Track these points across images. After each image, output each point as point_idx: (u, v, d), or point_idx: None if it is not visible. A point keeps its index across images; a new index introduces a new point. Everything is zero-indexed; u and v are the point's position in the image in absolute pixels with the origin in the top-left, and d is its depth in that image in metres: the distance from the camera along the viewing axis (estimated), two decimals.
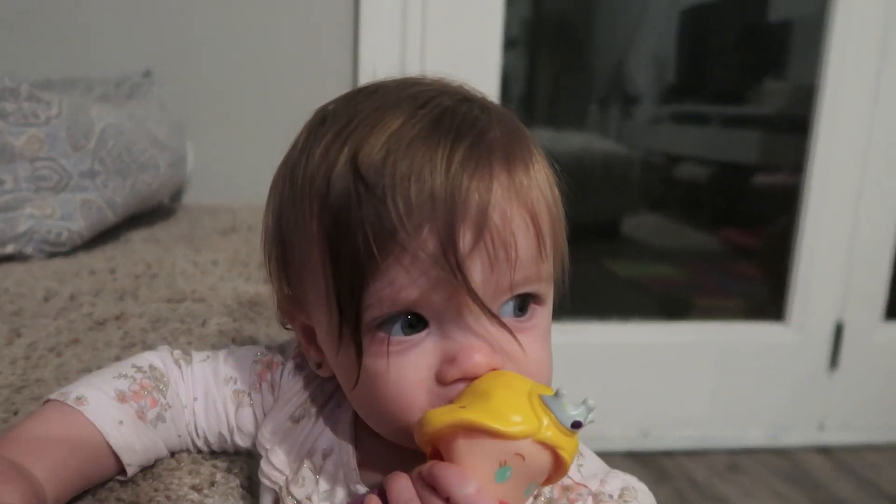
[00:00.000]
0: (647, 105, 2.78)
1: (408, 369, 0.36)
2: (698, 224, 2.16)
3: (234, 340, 0.61)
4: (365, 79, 1.25)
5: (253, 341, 0.63)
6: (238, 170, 1.30)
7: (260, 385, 0.45)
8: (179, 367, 0.45)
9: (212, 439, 0.45)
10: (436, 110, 0.36)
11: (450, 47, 1.30)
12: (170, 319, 0.65)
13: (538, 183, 0.37)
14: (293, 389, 0.45)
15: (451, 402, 0.35)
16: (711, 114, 2.65)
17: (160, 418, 0.43)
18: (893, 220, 1.48)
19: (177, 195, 1.28)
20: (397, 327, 0.36)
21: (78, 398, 0.40)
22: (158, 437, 0.43)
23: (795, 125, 2.45)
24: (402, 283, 0.34)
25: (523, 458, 0.33)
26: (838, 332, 1.51)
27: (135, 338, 0.60)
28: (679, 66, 2.78)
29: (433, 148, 0.35)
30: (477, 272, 0.34)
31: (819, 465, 1.49)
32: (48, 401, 0.41)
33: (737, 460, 1.49)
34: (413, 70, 1.26)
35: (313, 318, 0.40)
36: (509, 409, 0.33)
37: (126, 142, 0.92)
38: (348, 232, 0.34)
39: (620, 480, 0.40)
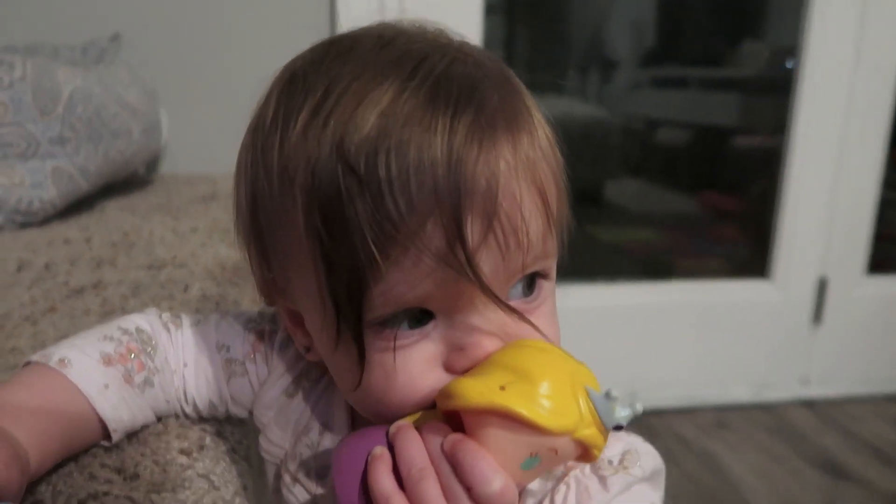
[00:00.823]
0: (627, 69, 2.76)
1: (414, 362, 0.34)
2: (679, 188, 2.16)
3: (218, 305, 0.59)
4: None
5: (238, 306, 0.61)
6: (215, 137, 1.26)
7: (254, 355, 0.43)
8: (168, 330, 0.43)
9: (202, 406, 0.43)
10: (429, 80, 0.32)
11: (430, 14, 1.27)
12: (150, 286, 0.62)
13: (543, 152, 0.35)
14: (286, 362, 0.42)
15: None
16: (690, 77, 2.64)
17: (148, 383, 0.41)
18: (874, 175, 1.48)
19: (152, 165, 1.25)
20: (404, 323, 0.33)
21: (61, 360, 0.38)
22: (146, 403, 0.41)
23: (774, 86, 2.44)
24: (407, 284, 0.32)
25: (556, 452, 0.31)
26: (822, 287, 1.52)
27: (114, 304, 0.58)
28: (657, 30, 2.76)
29: (432, 130, 0.31)
30: (488, 264, 0.32)
31: (804, 419, 1.51)
32: (28, 363, 0.38)
33: (723, 417, 1.50)
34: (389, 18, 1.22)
35: (301, 306, 0.37)
36: (555, 401, 0.30)
37: (96, 106, 0.88)
38: (344, 234, 0.31)
39: (623, 443, 0.37)
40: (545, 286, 0.36)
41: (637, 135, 2.68)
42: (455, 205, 0.30)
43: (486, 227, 0.31)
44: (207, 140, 1.25)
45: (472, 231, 0.31)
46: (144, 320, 0.43)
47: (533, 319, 0.34)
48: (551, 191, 0.34)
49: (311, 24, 1.24)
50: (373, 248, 0.30)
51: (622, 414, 0.31)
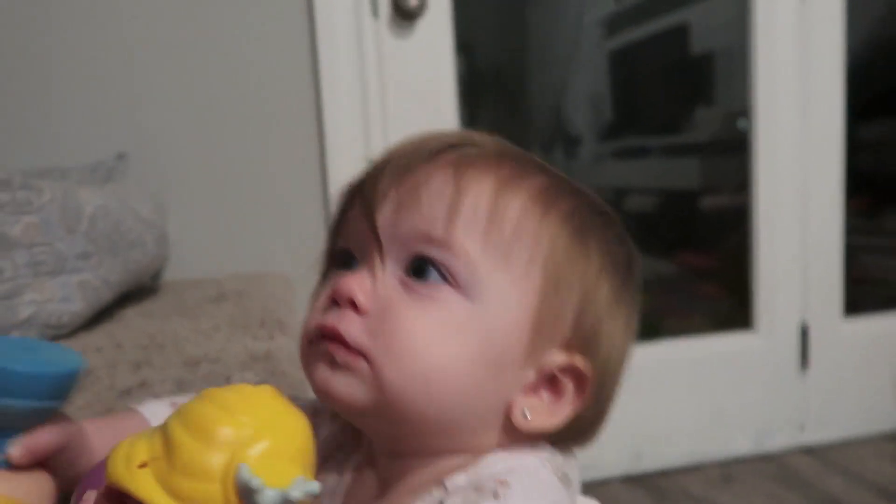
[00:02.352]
0: (589, 143, 2.92)
1: (322, 291, 0.41)
2: (654, 251, 2.25)
3: None
4: (331, 150, 1.30)
5: None
6: (213, 242, 1.33)
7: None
8: None
9: None
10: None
11: (411, 97, 1.36)
12: (193, 381, 0.67)
13: (516, 210, 0.38)
14: (330, 432, 0.47)
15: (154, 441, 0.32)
16: (651, 145, 2.79)
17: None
18: (838, 221, 1.58)
19: (156, 274, 1.30)
20: (340, 262, 0.41)
21: (140, 403, 0.47)
22: None
23: (730, 148, 2.60)
24: (349, 222, 0.41)
25: None
26: (804, 332, 1.59)
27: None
28: (614, 103, 2.93)
29: (428, 138, 0.42)
30: (386, 212, 0.38)
31: (806, 465, 1.54)
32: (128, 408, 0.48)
33: (729, 470, 1.53)
34: (374, 124, 1.29)
35: None
36: (192, 482, 0.29)
37: (114, 221, 0.94)
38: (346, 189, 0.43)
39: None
40: (446, 292, 0.37)
41: (608, 205, 2.78)
42: (386, 169, 0.39)
43: (395, 180, 0.38)
44: (206, 246, 1.32)
45: (383, 184, 0.39)
46: None
47: (410, 310, 0.36)
48: (480, 210, 0.37)
49: (301, 133, 1.33)
50: (347, 195, 0.42)
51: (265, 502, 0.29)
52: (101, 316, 0.97)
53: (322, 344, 0.38)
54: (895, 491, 1.41)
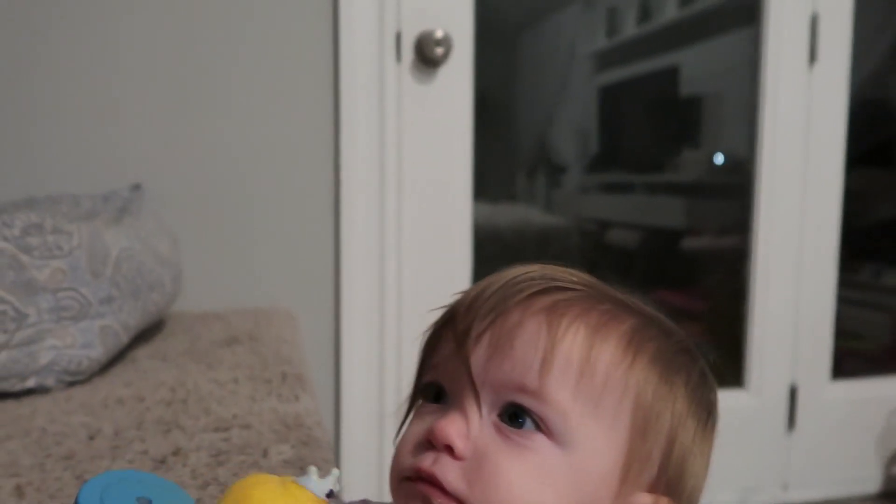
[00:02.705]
0: (574, 174, 2.96)
1: (412, 427, 0.41)
2: (633, 286, 2.28)
3: (301, 469, 0.63)
4: (346, 188, 1.31)
5: (320, 467, 0.65)
6: (218, 275, 1.32)
7: None
8: None
9: None
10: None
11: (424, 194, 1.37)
12: (230, 452, 0.66)
13: (615, 361, 0.38)
14: None
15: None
16: (636, 182, 2.84)
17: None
18: (831, 286, 1.62)
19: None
20: (431, 395, 0.42)
21: None
22: None
23: (714, 192, 2.65)
24: (440, 356, 0.41)
25: None
26: (792, 394, 1.62)
27: (205, 476, 0.61)
28: (601, 137, 2.98)
29: (514, 275, 0.42)
30: (479, 354, 0.39)
31: None
32: None
33: None
34: (390, 165, 1.31)
35: None
36: (269, 499, 0.35)
37: (137, 264, 0.93)
38: (441, 315, 0.43)
39: None
40: (542, 442, 0.37)
41: (591, 236, 2.83)
42: (478, 309, 0.40)
43: (487, 326, 0.39)
44: (212, 278, 1.31)
45: (478, 324, 0.39)
46: None
47: (507, 458, 0.37)
48: (572, 362, 0.38)
49: (316, 169, 1.33)
50: (437, 326, 0.43)
51: (325, 482, 0.36)
52: (114, 357, 0.95)
53: (418, 485, 0.38)
54: None
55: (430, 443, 0.38)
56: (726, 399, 1.53)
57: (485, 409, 0.39)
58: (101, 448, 0.67)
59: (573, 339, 0.38)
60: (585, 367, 0.38)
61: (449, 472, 0.37)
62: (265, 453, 0.66)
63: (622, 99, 2.96)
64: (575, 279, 0.42)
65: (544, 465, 0.37)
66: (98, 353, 0.85)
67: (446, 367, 0.41)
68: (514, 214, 2.68)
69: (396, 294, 1.38)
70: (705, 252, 2.53)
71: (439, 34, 1.30)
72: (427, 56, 1.31)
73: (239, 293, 1.32)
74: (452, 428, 0.38)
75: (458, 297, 0.43)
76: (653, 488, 0.39)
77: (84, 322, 0.84)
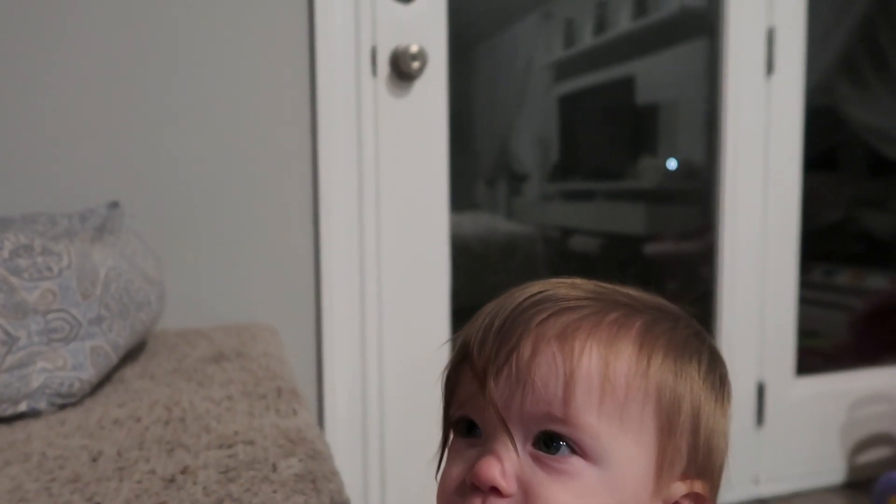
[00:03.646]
0: (535, 183, 3.01)
1: (453, 466, 0.42)
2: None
3: (314, 483, 0.64)
4: (324, 196, 1.31)
5: (326, 480, 0.66)
6: (197, 291, 1.31)
7: None
8: None
9: None
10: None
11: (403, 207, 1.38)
12: (238, 468, 0.66)
13: (628, 364, 0.40)
14: None
15: None
16: (596, 189, 2.90)
17: None
18: (793, 283, 1.69)
19: None
20: (463, 430, 0.43)
21: None
22: None
23: (672, 197, 2.72)
24: (465, 391, 0.43)
25: None
26: (760, 391, 1.68)
27: (219, 492, 0.61)
28: (561, 146, 3.04)
29: (518, 299, 0.43)
30: (501, 391, 0.40)
31: None
32: None
33: None
34: (368, 179, 1.31)
35: None
36: None
37: (125, 283, 0.92)
38: (455, 345, 0.45)
39: None
40: (579, 465, 0.39)
41: (554, 244, 2.89)
42: (491, 344, 0.41)
43: (505, 360, 0.40)
44: (192, 295, 1.29)
45: (496, 360, 0.41)
46: None
47: (546, 480, 0.39)
48: (593, 383, 0.40)
49: (294, 184, 1.33)
50: (455, 362, 0.44)
51: None
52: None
53: None
54: None
55: (475, 485, 0.40)
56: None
57: (519, 443, 0.40)
58: (106, 469, 0.67)
59: (589, 361, 0.40)
60: (606, 385, 0.39)
61: None
62: (274, 468, 0.66)
63: (580, 108, 3.03)
64: (578, 293, 0.43)
65: (585, 486, 0.39)
66: (89, 374, 0.84)
67: (474, 403, 0.42)
68: (478, 223, 2.71)
69: (377, 307, 1.39)
70: (667, 256, 2.60)
71: (414, 49, 1.32)
72: (403, 70, 1.33)
73: (218, 310, 1.31)
74: (494, 470, 0.39)
75: (469, 326, 0.44)
76: (685, 475, 0.42)
77: (74, 343, 0.83)
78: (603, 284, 0.46)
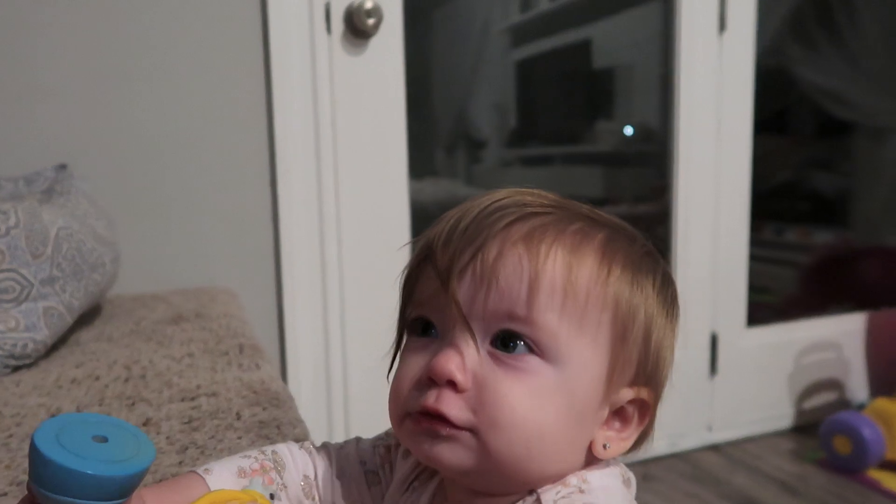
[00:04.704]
0: (494, 149, 3.01)
1: (408, 365, 0.43)
2: None
3: (279, 428, 0.64)
4: (281, 157, 1.30)
5: (292, 426, 0.66)
6: (154, 256, 1.29)
7: (385, 466, 0.51)
8: (311, 453, 0.50)
9: None
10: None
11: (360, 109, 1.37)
12: (203, 417, 0.66)
13: (593, 276, 0.41)
14: (405, 470, 0.50)
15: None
16: (554, 154, 2.92)
17: (276, 497, 0.47)
18: (744, 237, 1.74)
19: None
20: (418, 330, 0.43)
21: (206, 469, 0.45)
22: None
23: (628, 160, 2.76)
24: (424, 291, 0.43)
25: None
26: (713, 342, 1.74)
27: (183, 440, 0.61)
28: (519, 112, 3.04)
29: (485, 201, 0.43)
30: (465, 290, 0.40)
31: (714, 462, 1.69)
32: (190, 471, 0.46)
33: (647, 470, 1.65)
34: (325, 139, 1.31)
35: None
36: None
37: (77, 243, 0.90)
38: (417, 246, 0.45)
39: (583, 483, 0.41)
40: (536, 364, 0.40)
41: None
42: (456, 243, 0.41)
43: (470, 259, 0.40)
44: (147, 259, 1.27)
45: (459, 259, 0.41)
46: (284, 446, 0.50)
47: (503, 377, 0.40)
48: (556, 286, 0.40)
49: (250, 145, 1.31)
50: (415, 262, 0.44)
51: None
52: (56, 341, 0.92)
53: (425, 422, 0.41)
54: (793, 483, 1.58)
55: (431, 380, 0.40)
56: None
57: (478, 341, 0.41)
58: None
59: (553, 265, 0.40)
60: (568, 289, 0.40)
61: (454, 405, 0.40)
62: (238, 416, 0.66)
63: (538, 73, 3.03)
64: (544, 201, 0.44)
65: (541, 384, 0.40)
66: (43, 335, 0.83)
67: (432, 303, 0.42)
68: (438, 188, 2.71)
69: (338, 267, 1.39)
70: (624, 218, 2.64)
71: (369, 4, 1.30)
72: (358, 27, 1.31)
73: (174, 274, 1.29)
74: (451, 363, 0.40)
75: (431, 229, 0.44)
76: (633, 383, 0.43)
77: (26, 304, 0.82)
78: (564, 198, 0.46)
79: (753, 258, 1.77)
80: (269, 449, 0.49)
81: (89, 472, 0.35)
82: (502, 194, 0.44)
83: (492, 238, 0.41)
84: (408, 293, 0.44)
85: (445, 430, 0.40)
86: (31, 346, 0.82)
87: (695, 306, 1.70)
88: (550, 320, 0.40)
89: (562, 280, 0.40)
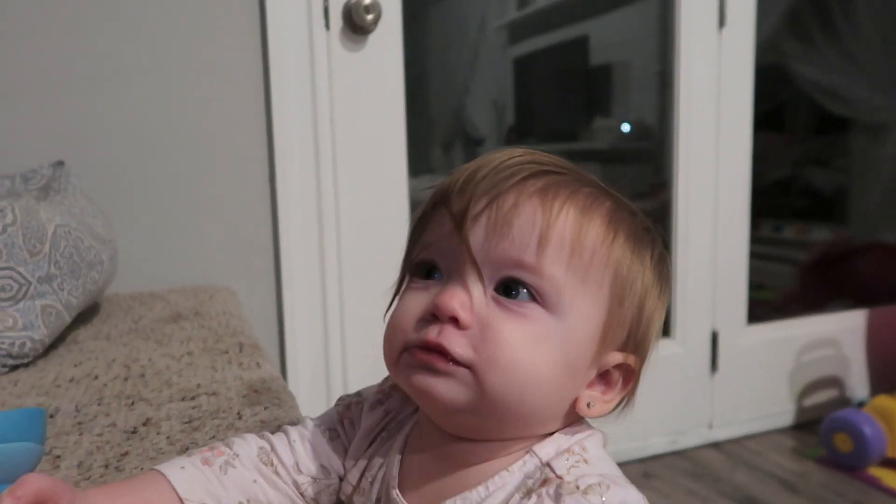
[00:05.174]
0: (491, 146, 3.00)
1: (408, 302, 0.44)
2: None
3: (280, 428, 0.63)
4: (280, 153, 1.29)
5: (294, 424, 0.65)
6: (150, 254, 1.28)
7: (343, 421, 0.52)
8: (265, 437, 0.51)
9: (314, 472, 0.50)
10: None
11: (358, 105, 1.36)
12: (203, 417, 0.65)
13: (595, 234, 0.42)
14: (371, 422, 0.51)
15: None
16: (551, 152, 2.91)
17: (229, 464, 0.48)
18: (744, 235, 1.73)
19: None
20: (422, 273, 0.44)
21: (159, 466, 0.47)
22: (229, 483, 0.47)
23: (624, 158, 2.75)
24: (433, 234, 0.44)
25: None
26: (714, 339, 1.73)
27: (184, 440, 0.60)
28: (517, 109, 3.03)
29: (509, 155, 0.44)
30: (476, 233, 0.42)
31: (714, 460, 1.69)
32: (151, 469, 0.47)
33: (647, 468, 1.65)
34: (323, 135, 1.30)
35: None
36: None
37: (74, 241, 0.89)
38: (432, 195, 0.46)
39: (602, 477, 0.40)
40: (538, 312, 0.41)
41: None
42: (472, 190, 0.42)
43: (485, 206, 0.42)
44: (146, 258, 1.26)
45: (475, 205, 0.42)
46: (235, 436, 0.51)
47: (506, 322, 0.41)
48: (567, 248, 0.42)
49: (249, 142, 1.30)
50: (428, 206, 0.45)
51: None
52: (54, 340, 0.91)
53: (421, 354, 0.42)
54: (793, 480, 1.58)
55: (434, 316, 0.42)
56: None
57: (484, 284, 0.42)
58: (64, 425, 0.65)
59: (565, 220, 0.42)
60: (576, 245, 0.42)
61: (455, 341, 0.41)
62: (239, 416, 0.66)
63: (535, 70, 3.02)
64: (558, 162, 0.46)
65: (540, 331, 0.41)
66: (41, 334, 0.82)
67: (442, 245, 0.43)
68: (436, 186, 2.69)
69: (337, 264, 1.38)
70: None
71: (368, 0, 1.29)
72: (356, 23, 1.30)
73: (172, 273, 1.28)
74: (456, 300, 0.41)
75: (446, 181, 0.45)
76: (623, 347, 0.45)
77: (24, 302, 0.81)
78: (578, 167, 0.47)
79: (751, 255, 1.77)
80: (217, 442, 0.51)
81: None
82: (519, 152, 0.45)
83: (508, 189, 0.42)
84: (416, 236, 0.46)
85: (444, 365, 0.41)
86: (28, 344, 0.81)
87: (695, 303, 1.70)
88: (557, 272, 0.41)
89: (571, 236, 0.42)
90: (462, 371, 0.41)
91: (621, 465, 0.44)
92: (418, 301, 0.43)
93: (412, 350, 0.42)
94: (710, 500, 1.51)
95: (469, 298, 0.41)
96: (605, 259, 0.43)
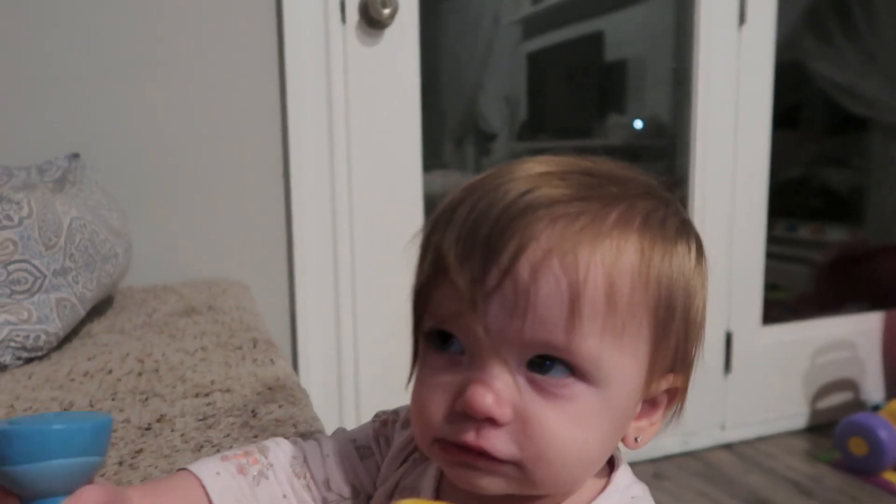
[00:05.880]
0: (504, 141, 2.98)
1: (432, 385, 0.39)
2: None
3: (295, 426, 0.63)
4: (294, 148, 1.28)
5: (308, 423, 0.65)
6: (165, 247, 1.27)
7: (378, 439, 0.50)
8: (296, 443, 0.49)
9: (345, 491, 0.48)
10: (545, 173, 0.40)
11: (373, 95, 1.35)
12: (218, 415, 0.65)
13: (629, 263, 0.37)
14: (403, 440, 0.49)
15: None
16: (565, 148, 2.88)
17: (262, 475, 0.46)
18: (760, 239, 1.71)
19: None
20: (437, 342, 0.39)
21: (191, 466, 0.46)
22: (261, 496, 0.46)
23: (639, 155, 2.73)
24: (443, 305, 0.38)
25: None
26: (728, 340, 1.72)
27: (198, 438, 0.60)
28: (530, 105, 3.01)
29: (503, 191, 0.38)
30: (495, 316, 0.36)
31: (727, 461, 1.67)
32: (181, 469, 0.46)
33: (658, 468, 1.63)
34: (338, 130, 1.30)
35: None
36: None
37: (90, 234, 0.89)
38: (425, 250, 0.40)
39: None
40: (578, 388, 0.37)
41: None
42: (481, 255, 0.36)
43: (500, 280, 0.36)
44: (160, 251, 1.26)
45: (485, 280, 0.36)
46: (268, 440, 0.50)
47: (550, 414, 0.37)
48: (598, 302, 0.36)
49: (264, 136, 1.29)
50: (429, 274, 0.38)
51: None
52: (68, 333, 0.91)
53: (462, 455, 0.38)
54: (806, 484, 1.56)
55: (467, 414, 0.37)
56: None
57: (513, 367, 0.37)
58: None
59: (595, 284, 0.36)
60: (609, 298, 0.36)
61: (497, 441, 0.37)
62: (254, 414, 0.65)
63: (549, 65, 3.00)
64: (570, 191, 0.38)
65: (584, 409, 0.37)
66: (56, 327, 0.82)
67: (458, 322, 0.38)
68: (448, 181, 2.69)
69: (350, 260, 1.37)
70: None
71: None
72: (373, 17, 1.29)
73: (186, 266, 1.28)
74: (488, 399, 0.36)
75: (438, 227, 0.39)
76: (669, 370, 0.41)
77: (39, 295, 0.80)
78: (587, 168, 0.41)
79: (766, 255, 1.75)
80: (253, 445, 0.49)
81: (56, 427, 0.34)
82: (522, 186, 0.38)
83: (521, 254, 0.36)
84: (421, 301, 0.40)
85: (487, 465, 0.37)
86: (43, 337, 0.81)
87: (709, 304, 1.67)
88: (592, 345, 0.37)
89: (603, 297, 0.36)
90: (507, 467, 0.37)
91: (632, 464, 0.43)
92: (441, 385, 0.39)
93: (448, 448, 0.38)
94: (722, 503, 1.49)
95: (501, 388, 0.37)
96: (642, 302, 0.38)
